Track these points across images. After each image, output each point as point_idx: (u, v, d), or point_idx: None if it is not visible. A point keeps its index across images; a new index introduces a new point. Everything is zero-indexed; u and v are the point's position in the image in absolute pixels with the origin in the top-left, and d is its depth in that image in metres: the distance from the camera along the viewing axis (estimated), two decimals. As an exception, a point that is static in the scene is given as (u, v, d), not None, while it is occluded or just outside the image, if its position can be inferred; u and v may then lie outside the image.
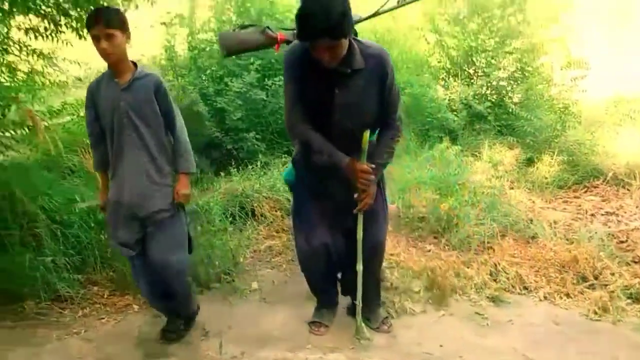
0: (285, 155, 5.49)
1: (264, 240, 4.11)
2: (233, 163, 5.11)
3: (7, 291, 3.13)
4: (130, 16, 4.38)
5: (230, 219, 4.09)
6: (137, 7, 4.02)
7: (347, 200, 2.50)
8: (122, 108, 2.44)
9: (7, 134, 3.59)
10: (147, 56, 6.83)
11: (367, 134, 2.38)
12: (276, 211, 4.39)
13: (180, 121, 2.57)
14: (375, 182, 2.51)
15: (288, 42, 3.08)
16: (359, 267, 2.61)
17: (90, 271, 3.39)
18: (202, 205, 3.98)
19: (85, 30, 3.71)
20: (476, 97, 6.47)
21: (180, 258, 2.61)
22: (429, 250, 3.90)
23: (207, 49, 6.17)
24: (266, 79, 5.77)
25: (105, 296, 3.27)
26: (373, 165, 2.43)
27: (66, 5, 3.57)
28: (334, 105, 2.34)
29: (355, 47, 2.29)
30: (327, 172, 2.47)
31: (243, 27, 3.24)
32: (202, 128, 5.54)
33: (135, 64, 2.50)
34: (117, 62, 2.44)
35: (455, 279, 3.40)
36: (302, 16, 2.08)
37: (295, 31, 3.14)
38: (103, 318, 3.06)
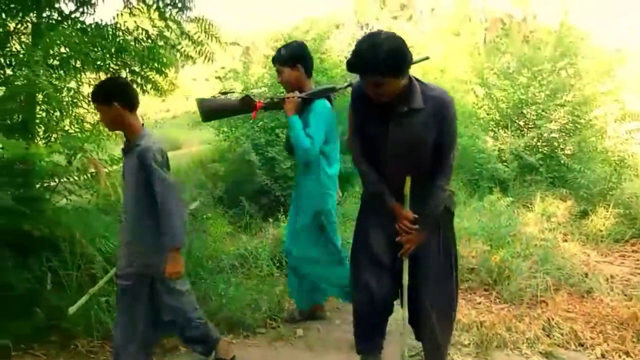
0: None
1: (309, 287, 4.11)
2: (281, 209, 5.21)
3: (62, 329, 3.25)
4: (189, 70, 4.69)
5: (277, 264, 4.13)
6: (194, 62, 4.30)
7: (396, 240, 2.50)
8: (123, 172, 2.63)
9: (71, 179, 3.84)
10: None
11: (409, 179, 2.39)
12: (322, 258, 4.40)
13: (165, 192, 2.43)
14: (422, 231, 2.45)
15: (266, 109, 3.20)
16: (404, 313, 2.56)
17: (141, 312, 3.47)
18: (250, 251, 4.05)
19: (148, 85, 4.01)
20: (527, 148, 6.40)
21: (118, 333, 2.62)
22: (479, 303, 3.80)
23: (259, 102, 6.43)
24: (315, 130, 5.94)
25: (155, 337, 3.32)
26: (416, 216, 2.42)
27: (131, 63, 3.86)
28: (387, 141, 2.37)
29: (416, 87, 2.30)
30: (379, 205, 2.51)
31: (223, 93, 3.38)
32: (253, 176, 5.74)
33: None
34: (119, 130, 2.68)
35: (507, 333, 3.27)
36: (355, 50, 2.17)
37: (270, 98, 3.27)
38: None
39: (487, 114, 7.06)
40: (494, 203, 5.04)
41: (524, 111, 6.72)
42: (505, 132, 6.79)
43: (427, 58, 3.05)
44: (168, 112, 13.07)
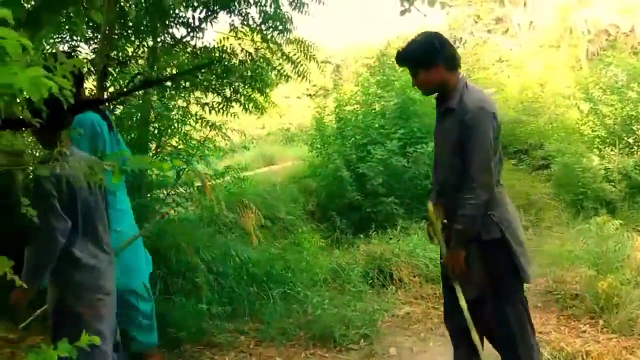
0: (425, 220, 5.48)
1: (402, 305, 4.06)
2: (372, 226, 5.22)
3: (168, 333, 3.45)
4: (281, 88, 4.89)
5: (370, 281, 4.14)
6: (287, 80, 4.49)
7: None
8: None
9: (178, 192, 4.11)
10: (295, 124, 7.40)
11: (430, 204, 2.42)
12: (415, 277, 4.35)
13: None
14: (454, 249, 2.30)
15: None
16: (474, 336, 2.36)
17: (239, 320, 3.62)
18: (342, 266, 4.10)
19: (250, 104, 4.23)
20: (637, 167, 5.96)
21: None
22: (584, 331, 3.56)
23: (353, 119, 6.52)
24: (408, 147, 5.93)
25: (251, 346, 3.44)
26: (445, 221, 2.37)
27: (237, 84, 4.10)
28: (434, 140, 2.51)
29: (458, 88, 2.32)
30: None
31: None
32: (344, 191, 5.81)
33: None
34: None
35: (616, 366, 3.05)
36: None
37: None
38: (248, 366, 3.22)
39: (592, 131, 6.66)
40: (601, 225, 4.71)
41: (634, 128, 6.27)
42: (612, 150, 6.36)
43: None
44: (263, 128, 13.60)
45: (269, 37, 4.01)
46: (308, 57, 4.13)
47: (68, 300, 2.22)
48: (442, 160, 2.42)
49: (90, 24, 3.81)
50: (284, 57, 4.16)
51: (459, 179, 2.27)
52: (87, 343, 1.44)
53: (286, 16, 3.98)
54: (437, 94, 2.41)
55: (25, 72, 0.99)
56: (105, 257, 2.32)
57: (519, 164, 6.93)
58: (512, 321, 2.32)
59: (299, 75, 4.21)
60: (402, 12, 2.02)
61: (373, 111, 6.51)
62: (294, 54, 4.18)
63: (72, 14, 2.30)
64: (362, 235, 5.03)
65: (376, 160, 5.74)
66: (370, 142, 6.12)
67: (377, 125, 6.19)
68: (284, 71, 4.26)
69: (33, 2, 1.79)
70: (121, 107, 4.00)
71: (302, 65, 4.22)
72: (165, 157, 4.04)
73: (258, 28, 4.03)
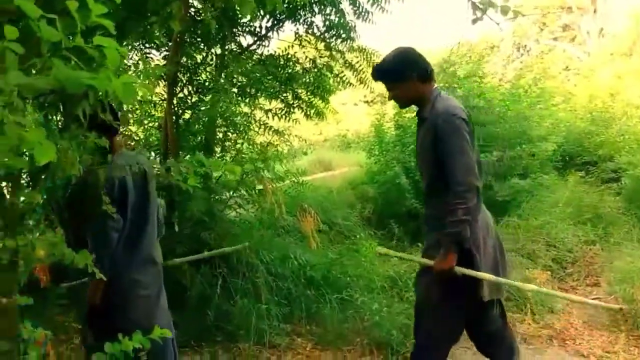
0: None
1: (461, 317, 4.00)
2: (431, 235, 5.16)
3: (227, 331, 3.56)
4: (338, 94, 4.94)
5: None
6: (346, 87, 4.54)
7: None
8: None
9: (240, 194, 4.23)
10: (352, 130, 7.40)
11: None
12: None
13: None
14: (441, 255, 2.25)
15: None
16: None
17: (296, 323, 3.68)
18: (400, 274, 4.08)
19: (312, 110, 4.30)
20: None
21: None
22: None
23: (412, 126, 6.48)
24: (469, 156, 5.82)
25: (308, 348, 3.49)
26: None
27: (299, 90, 4.18)
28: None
29: (431, 97, 2.36)
30: None
31: None
32: (402, 199, 5.77)
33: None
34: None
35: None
36: None
37: None
38: (304, 369, 3.27)
39: (668, 143, 6.32)
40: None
41: None
42: (690, 164, 6.01)
43: None
44: (320, 134, 13.77)
45: (332, 45, 4.08)
46: (370, 64, 4.16)
47: (110, 297, 2.26)
48: (421, 169, 2.51)
49: (163, 31, 4.00)
50: (346, 65, 4.21)
51: (435, 185, 2.34)
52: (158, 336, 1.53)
53: (350, 25, 4.02)
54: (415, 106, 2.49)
55: (119, 78, 1.07)
56: (142, 261, 2.38)
57: (586, 176, 6.66)
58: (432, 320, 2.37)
59: (360, 83, 4.25)
60: (474, 21, 2.02)
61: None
62: (356, 62, 4.22)
63: (151, 24, 2.44)
64: (419, 244, 4.97)
65: (437, 168, 5.67)
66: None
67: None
68: (345, 78, 4.31)
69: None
70: (189, 112, 4.17)
71: (363, 72, 4.25)
72: (230, 161, 4.17)
73: (322, 36, 4.10)
